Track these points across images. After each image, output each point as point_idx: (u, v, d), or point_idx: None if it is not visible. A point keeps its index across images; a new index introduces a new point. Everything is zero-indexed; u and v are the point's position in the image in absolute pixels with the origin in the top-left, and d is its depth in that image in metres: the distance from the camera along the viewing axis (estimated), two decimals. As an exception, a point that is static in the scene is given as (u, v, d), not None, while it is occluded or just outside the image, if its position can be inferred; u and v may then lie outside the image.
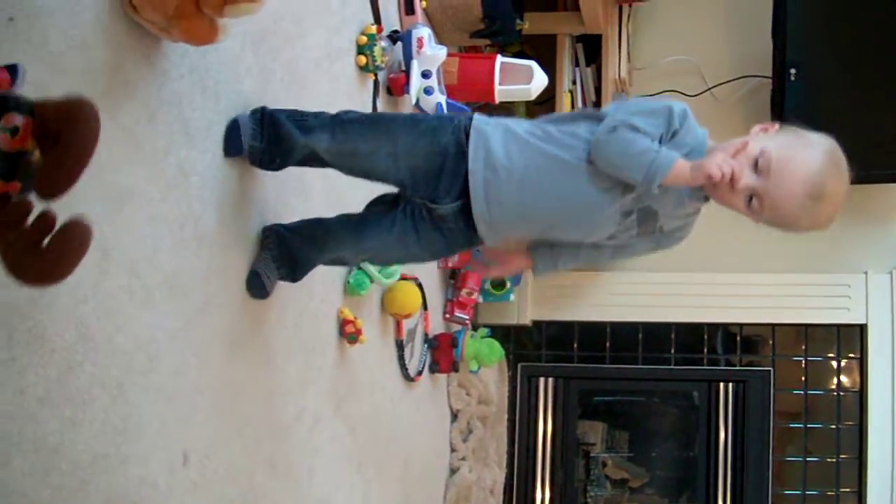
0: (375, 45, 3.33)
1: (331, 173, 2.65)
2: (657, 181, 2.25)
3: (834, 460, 5.07)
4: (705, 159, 2.26)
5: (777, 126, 2.36)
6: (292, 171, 2.73)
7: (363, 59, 3.31)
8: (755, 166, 2.26)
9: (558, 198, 2.40)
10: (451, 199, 2.46)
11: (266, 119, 2.49)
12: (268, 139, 2.49)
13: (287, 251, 2.59)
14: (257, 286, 2.55)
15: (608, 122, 2.33)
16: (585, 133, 2.39)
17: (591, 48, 5.07)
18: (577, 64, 5.04)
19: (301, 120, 2.52)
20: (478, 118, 2.48)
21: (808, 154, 2.28)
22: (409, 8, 3.77)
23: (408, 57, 3.57)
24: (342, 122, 2.51)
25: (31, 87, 1.64)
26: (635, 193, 2.36)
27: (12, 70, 1.58)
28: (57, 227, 1.48)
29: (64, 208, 1.49)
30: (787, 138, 2.32)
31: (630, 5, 5.14)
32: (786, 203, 2.26)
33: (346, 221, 2.64)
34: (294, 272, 2.64)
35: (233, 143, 2.43)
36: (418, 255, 2.63)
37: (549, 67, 4.39)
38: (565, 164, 2.39)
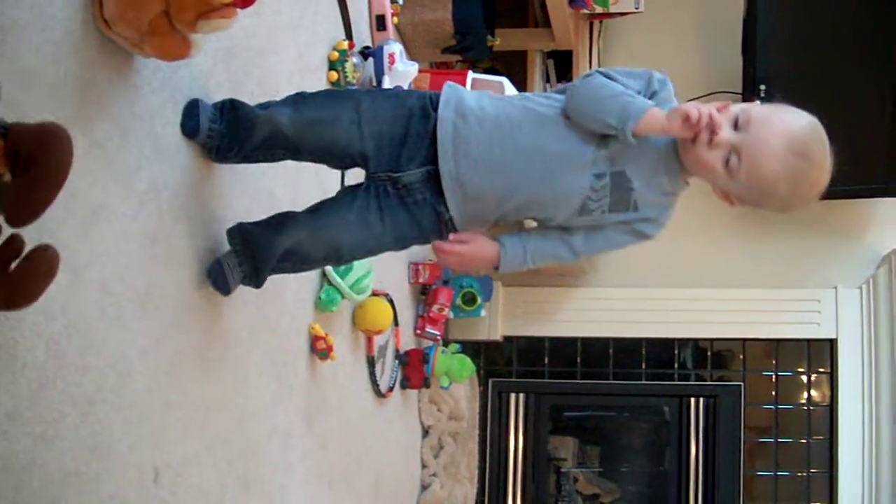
0: (347, 60, 3.33)
1: (300, 188, 2.64)
2: (631, 124, 2.20)
3: (804, 474, 5.08)
4: (681, 104, 2.21)
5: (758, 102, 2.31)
6: (262, 186, 2.73)
7: (335, 75, 3.31)
8: (735, 124, 2.21)
9: (530, 149, 2.32)
10: (417, 165, 2.38)
11: (226, 105, 2.43)
12: (227, 122, 2.41)
13: (248, 243, 2.45)
14: (219, 277, 2.42)
15: (584, 73, 2.30)
16: (561, 97, 2.36)
17: (562, 64, 5.09)
18: (547, 80, 5.05)
19: (263, 104, 2.47)
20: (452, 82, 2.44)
21: (791, 115, 2.24)
22: (380, 24, 3.77)
23: (379, 73, 3.57)
24: (304, 96, 2.47)
25: (2, 104, 1.63)
26: (609, 150, 2.29)
27: None
28: (25, 251, 1.47)
29: (38, 224, 1.48)
30: (770, 105, 2.28)
31: (601, 21, 5.15)
32: (765, 156, 2.18)
33: (305, 208, 2.54)
34: (256, 269, 2.47)
35: (191, 119, 2.35)
36: (381, 237, 2.46)
37: (521, 83, 4.41)
38: (539, 116, 2.34)
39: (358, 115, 2.37)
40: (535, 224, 2.51)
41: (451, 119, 2.35)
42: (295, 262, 2.54)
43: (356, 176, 2.62)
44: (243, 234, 2.45)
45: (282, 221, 2.49)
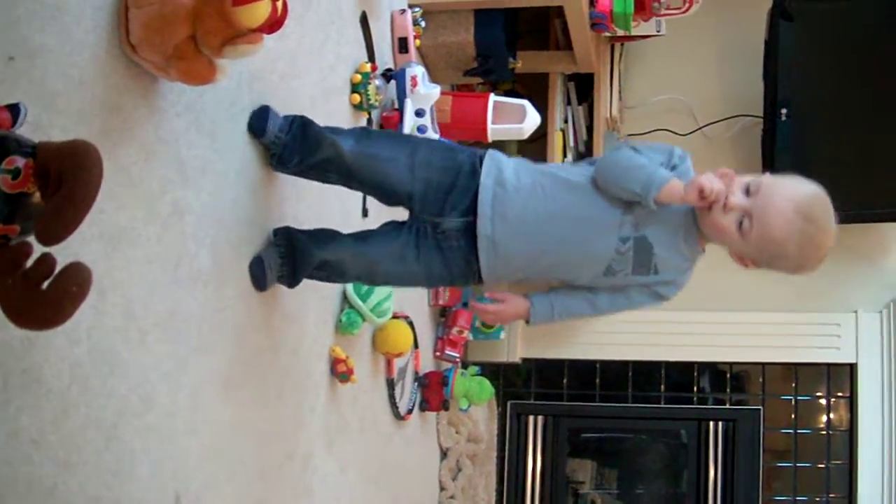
0: (369, 83, 3.33)
1: (323, 219, 2.65)
2: (653, 192, 2.38)
3: (823, 499, 5.05)
4: (697, 176, 2.39)
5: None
6: (287, 212, 2.73)
7: (357, 98, 3.31)
8: (746, 191, 2.39)
9: (561, 212, 2.51)
10: (458, 215, 2.56)
11: (297, 121, 2.65)
12: (294, 135, 2.63)
13: (292, 247, 2.66)
14: (258, 272, 2.61)
15: (612, 147, 2.44)
16: (590, 168, 2.55)
17: (583, 87, 5.07)
18: (569, 102, 5.04)
19: (330, 127, 2.68)
20: (493, 150, 2.64)
21: (798, 183, 2.42)
22: (402, 46, 3.78)
23: (401, 95, 3.57)
24: (368, 132, 2.75)
25: (30, 127, 1.64)
26: (634, 216, 2.46)
27: (14, 110, 1.57)
28: (56, 270, 1.47)
29: (62, 250, 1.48)
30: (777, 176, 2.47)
31: (622, 44, 5.15)
32: (775, 219, 2.35)
33: (353, 232, 2.74)
34: (294, 271, 2.69)
35: (260, 120, 2.59)
36: (414, 273, 2.67)
37: (541, 106, 4.40)
38: (570, 183, 2.53)
39: (413, 159, 2.60)
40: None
41: (491, 187, 2.55)
42: (330, 273, 2.77)
43: (378, 205, 2.83)
44: (290, 238, 2.68)
45: (328, 239, 2.72)
